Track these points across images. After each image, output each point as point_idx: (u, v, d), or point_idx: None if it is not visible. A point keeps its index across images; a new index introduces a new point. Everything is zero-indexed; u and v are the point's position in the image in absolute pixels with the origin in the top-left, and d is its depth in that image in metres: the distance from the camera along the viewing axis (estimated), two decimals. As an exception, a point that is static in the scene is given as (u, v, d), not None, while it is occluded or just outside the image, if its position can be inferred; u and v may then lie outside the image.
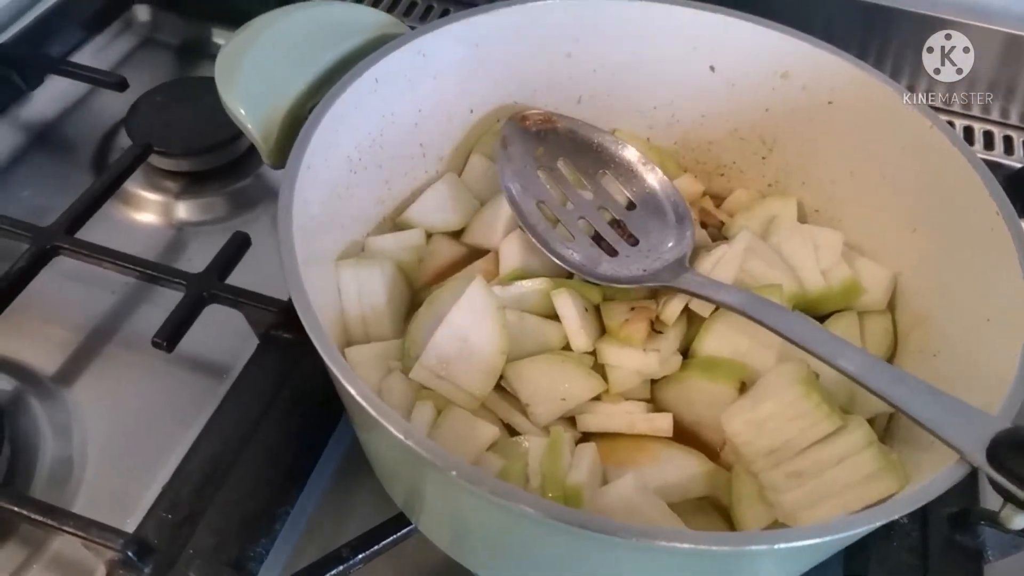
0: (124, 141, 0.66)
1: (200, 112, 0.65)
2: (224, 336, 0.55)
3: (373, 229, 0.50)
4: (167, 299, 0.53)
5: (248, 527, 0.44)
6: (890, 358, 0.48)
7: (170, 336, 0.50)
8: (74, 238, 0.56)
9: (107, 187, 0.60)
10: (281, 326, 0.52)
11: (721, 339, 0.46)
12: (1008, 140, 0.71)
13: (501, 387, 0.45)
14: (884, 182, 0.49)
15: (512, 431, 0.44)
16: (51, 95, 0.72)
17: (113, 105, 0.70)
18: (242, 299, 0.52)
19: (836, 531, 0.31)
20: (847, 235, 0.50)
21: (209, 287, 0.53)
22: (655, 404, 0.46)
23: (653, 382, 0.47)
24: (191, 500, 0.45)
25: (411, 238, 0.49)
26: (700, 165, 0.57)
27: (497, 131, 0.52)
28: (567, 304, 0.45)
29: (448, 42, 0.48)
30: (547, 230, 0.49)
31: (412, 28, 0.48)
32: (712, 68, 0.52)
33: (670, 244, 0.48)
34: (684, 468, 0.43)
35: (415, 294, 0.50)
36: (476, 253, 0.51)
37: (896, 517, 0.33)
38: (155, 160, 0.65)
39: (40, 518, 0.43)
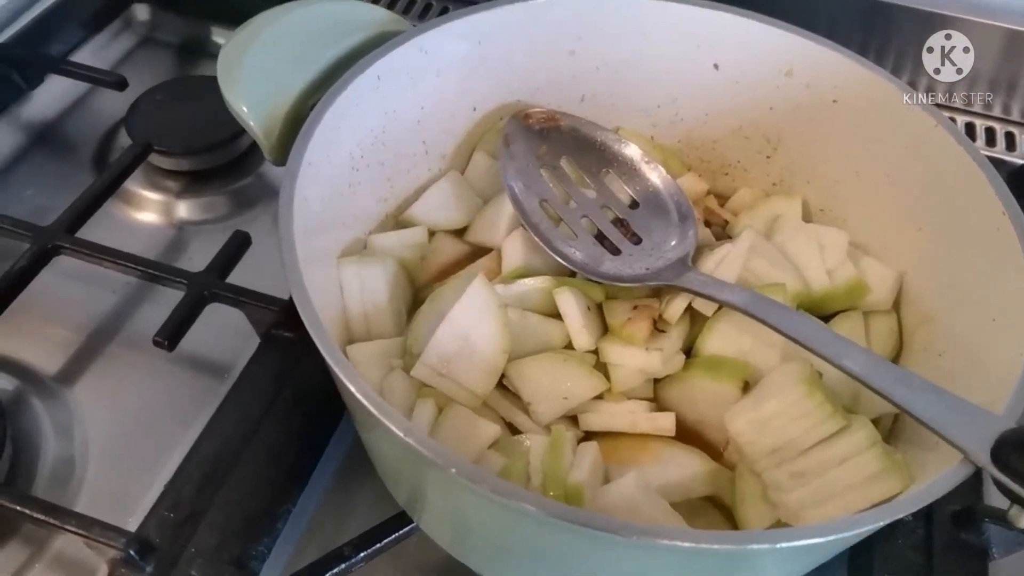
0: (124, 140, 0.66)
1: (200, 111, 0.65)
2: (225, 335, 0.55)
3: (375, 227, 0.50)
4: (168, 298, 0.53)
5: (250, 526, 0.44)
6: (895, 358, 0.48)
7: (171, 335, 0.50)
8: (75, 237, 0.56)
9: (107, 186, 0.59)
10: (282, 325, 0.52)
11: (724, 338, 0.45)
12: (1010, 136, 0.71)
13: (503, 386, 0.45)
14: (889, 181, 0.49)
15: (514, 430, 0.44)
16: (51, 94, 0.72)
17: (113, 104, 0.70)
18: (243, 298, 0.52)
19: (838, 531, 0.30)
20: (852, 234, 0.50)
21: (210, 286, 0.53)
22: (658, 403, 0.46)
23: (656, 381, 0.46)
24: (193, 499, 0.45)
25: (414, 236, 0.49)
26: (704, 164, 0.57)
27: (500, 129, 0.51)
28: (569, 303, 0.45)
29: (450, 39, 0.48)
30: (549, 228, 0.48)
31: (413, 25, 0.48)
32: (716, 66, 0.52)
33: (673, 243, 0.48)
34: (686, 467, 0.43)
35: (418, 292, 0.50)
36: (479, 251, 0.51)
37: (898, 517, 0.32)
38: (155, 159, 0.65)
39: (42, 517, 0.43)
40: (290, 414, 0.49)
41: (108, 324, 0.57)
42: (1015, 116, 0.72)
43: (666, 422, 0.44)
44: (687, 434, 0.45)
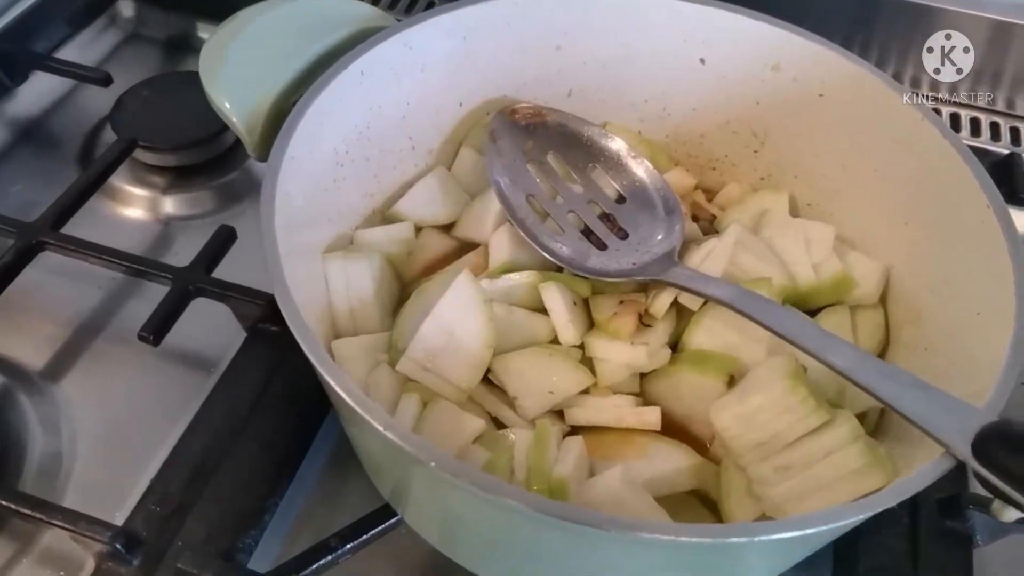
0: (110, 136, 0.66)
1: (186, 106, 0.65)
2: (212, 330, 0.55)
3: (362, 222, 0.50)
4: (155, 294, 0.53)
5: (237, 519, 0.44)
6: (882, 352, 0.48)
7: (156, 330, 0.50)
8: (59, 233, 0.56)
9: (92, 182, 0.59)
10: (268, 319, 0.52)
11: (710, 333, 0.46)
12: (995, 126, 0.72)
13: (489, 380, 0.45)
14: (876, 175, 0.49)
15: (500, 425, 0.44)
16: (36, 91, 0.71)
17: (98, 101, 0.69)
18: (229, 292, 0.52)
19: (816, 524, 0.30)
20: (839, 229, 0.50)
21: (195, 281, 0.53)
22: (644, 398, 0.46)
23: (642, 376, 0.46)
24: (179, 493, 0.45)
25: (400, 231, 0.49)
26: (692, 159, 0.57)
27: (487, 124, 0.51)
28: (555, 297, 0.45)
29: (435, 35, 0.48)
30: (536, 224, 0.48)
31: (398, 20, 0.47)
32: (702, 61, 0.52)
33: (659, 237, 0.48)
34: (672, 461, 0.43)
35: (405, 288, 0.50)
36: (466, 247, 0.51)
37: (878, 511, 0.32)
38: (141, 155, 0.65)
39: (28, 512, 0.43)
40: (277, 407, 0.49)
41: (94, 320, 0.57)
42: (999, 107, 0.72)
43: (651, 416, 0.44)
44: (673, 428, 0.45)
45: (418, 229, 0.51)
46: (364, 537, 0.43)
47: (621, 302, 0.46)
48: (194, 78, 0.43)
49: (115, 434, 0.51)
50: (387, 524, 0.43)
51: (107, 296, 0.58)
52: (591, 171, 0.51)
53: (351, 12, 0.47)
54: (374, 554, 0.45)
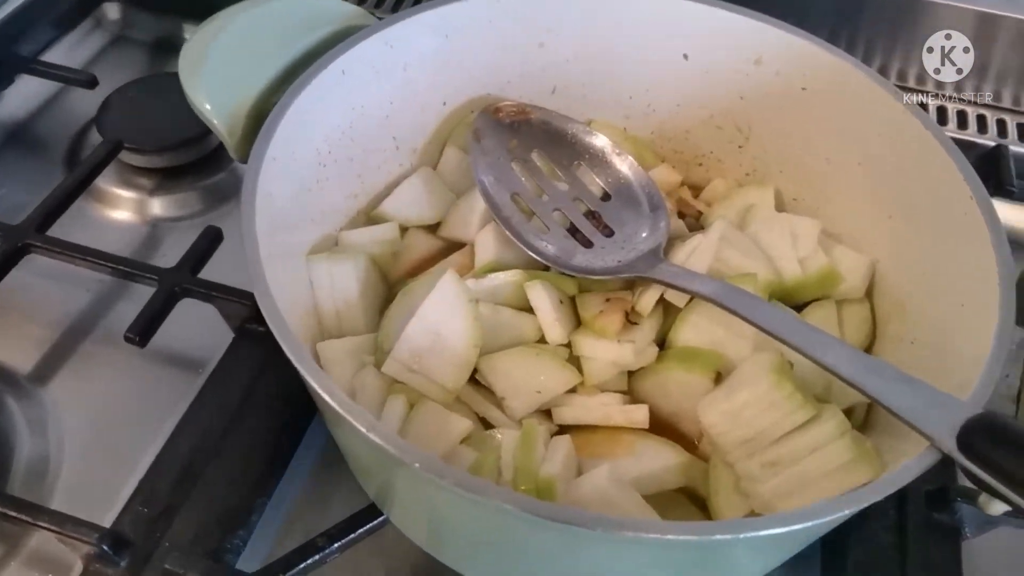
0: (96, 139, 0.66)
1: (172, 107, 0.63)
2: (200, 330, 0.55)
3: (347, 223, 0.50)
4: (143, 295, 0.53)
5: (225, 519, 0.44)
6: (869, 346, 0.48)
7: (143, 331, 0.50)
8: (45, 236, 0.55)
9: (78, 184, 0.59)
10: (255, 319, 0.51)
11: (697, 329, 0.45)
12: (981, 119, 0.72)
13: (476, 381, 0.45)
14: (860, 169, 0.49)
15: (488, 425, 0.44)
16: (22, 94, 0.71)
17: (85, 103, 0.69)
18: (215, 293, 0.52)
19: (801, 521, 0.30)
20: (826, 223, 0.50)
21: (181, 281, 0.53)
22: (632, 396, 0.46)
23: (630, 374, 0.46)
24: (168, 494, 0.45)
25: (385, 232, 0.49)
26: (678, 155, 0.57)
27: (471, 123, 0.51)
28: (541, 296, 0.45)
29: (417, 33, 0.47)
30: (521, 222, 0.48)
31: (379, 19, 0.47)
32: (686, 56, 0.52)
33: (644, 234, 0.48)
34: (660, 459, 0.43)
35: (391, 288, 0.50)
36: (452, 246, 0.51)
37: (863, 507, 0.32)
38: (128, 157, 0.65)
39: (15, 514, 0.43)
40: (265, 407, 0.49)
41: (82, 322, 0.57)
42: (987, 99, 0.72)
43: (639, 414, 0.44)
44: (662, 426, 0.45)
45: (404, 229, 0.50)
46: (351, 536, 0.42)
47: (607, 300, 0.46)
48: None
49: (103, 436, 0.51)
50: (374, 523, 0.43)
51: (95, 298, 0.58)
52: (576, 169, 0.51)
53: (332, 11, 0.47)
54: (364, 552, 0.45)
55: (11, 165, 0.67)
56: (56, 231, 0.56)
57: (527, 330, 0.46)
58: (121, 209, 0.65)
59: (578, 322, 0.47)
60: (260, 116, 0.41)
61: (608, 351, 0.44)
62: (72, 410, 0.52)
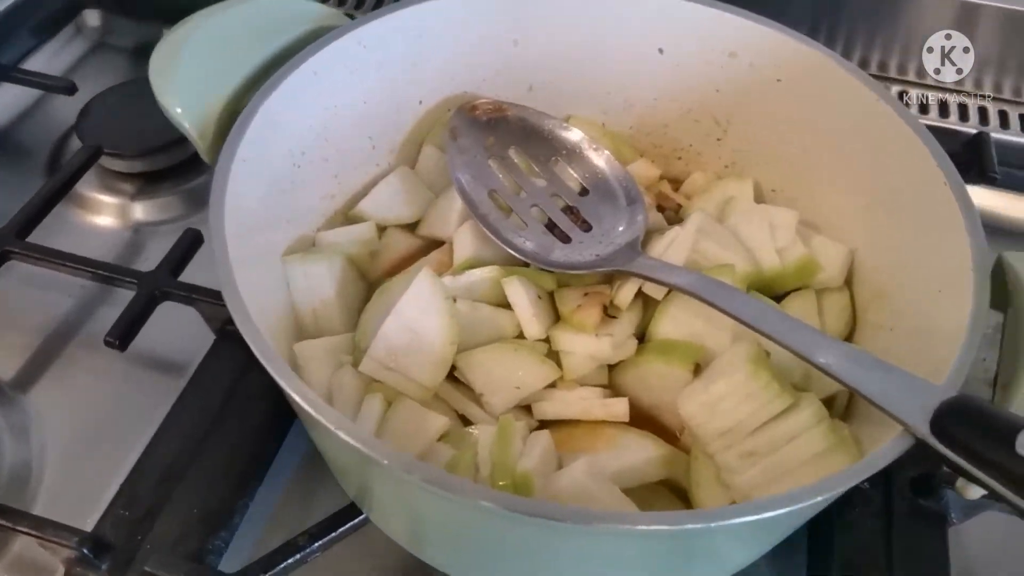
0: (77, 145, 0.65)
1: (152, 112, 0.63)
2: (181, 333, 0.55)
3: (324, 223, 0.50)
4: (125, 300, 0.53)
5: (207, 521, 0.44)
6: (850, 334, 0.48)
7: (123, 335, 0.50)
8: (25, 242, 0.55)
9: (58, 190, 0.59)
10: (236, 321, 0.51)
11: (676, 322, 0.45)
12: (963, 107, 0.72)
13: (456, 378, 0.44)
14: (836, 158, 0.49)
15: (468, 422, 0.44)
16: (2, 102, 0.71)
17: (65, 110, 0.69)
18: (195, 295, 0.52)
19: (774, 508, 0.30)
20: (804, 213, 0.50)
21: (161, 285, 0.53)
22: (613, 389, 0.46)
23: (610, 367, 0.46)
24: (149, 497, 0.45)
25: (362, 232, 0.49)
26: (657, 149, 0.57)
27: (448, 121, 0.51)
28: (518, 292, 0.45)
29: (390, 33, 0.47)
30: (499, 219, 0.48)
31: (350, 17, 0.47)
32: (661, 51, 0.52)
33: (621, 228, 0.48)
34: (640, 452, 0.43)
35: (371, 288, 0.50)
36: (432, 245, 0.51)
37: (838, 492, 0.32)
38: (109, 163, 0.65)
39: (-4, 519, 0.43)
40: (246, 409, 0.48)
41: (63, 327, 0.57)
42: (967, 87, 0.72)
43: (619, 408, 0.44)
44: (643, 419, 0.45)
45: (383, 229, 0.50)
46: (333, 535, 0.42)
47: (586, 294, 0.46)
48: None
49: (86, 441, 0.51)
50: (356, 522, 0.43)
51: (76, 304, 0.58)
52: (553, 164, 0.51)
53: (305, 12, 0.47)
54: (348, 552, 0.44)
55: (-7, 174, 0.67)
56: (37, 237, 0.56)
57: (506, 326, 0.46)
58: (103, 214, 0.65)
59: (557, 317, 0.47)
60: (232, 118, 0.41)
61: (587, 345, 0.44)
62: (54, 415, 0.52)
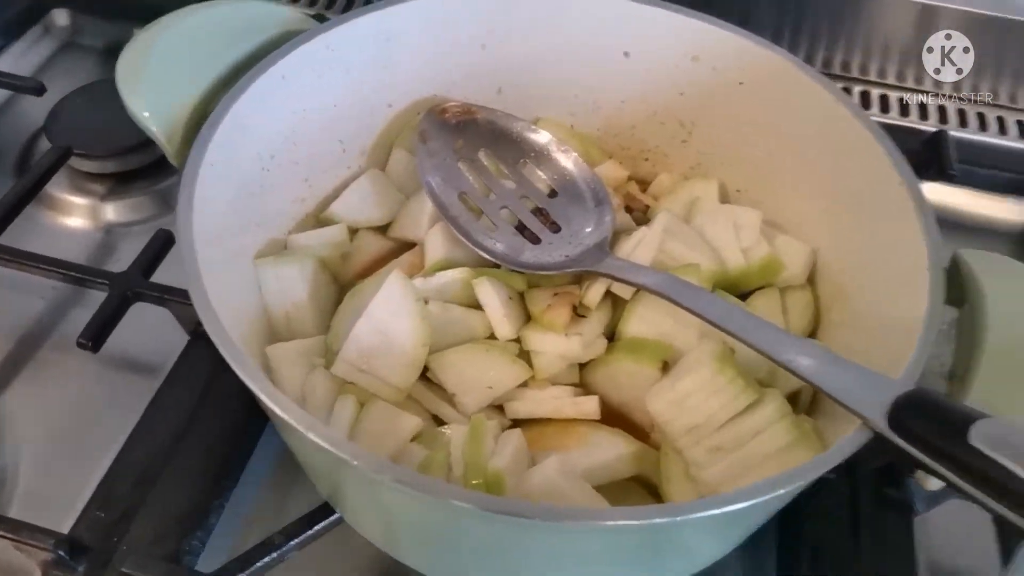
0: (47, 146, 0.65)
1: (122, 113, 0.63)
2: (154, 334, 0.55)
3: (295, 227, 0.50)
4: (98, 302, 0.53)
5: (182, 522, 0.45)
6: (813, 330, 0.49)
7: (95, 336, 0.50)
8: (-8, 244, 0.55)
9: (27, 191, 0.59)
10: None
11: (644, 320, 0.46)
12: (922, 106, 0.74)
13: (429, 379, 0.45)
14: (799, 160, 0.50)
15: (442, 422, 0.44)
16: (-32, 105, 0.70)
17: (34, 111, 0.68)
18: (168, 296, 0.52)
19: (734, 502, 0.31)
20: (768, 213, 0.51)
21: (133, 285, 0.53)
22: (584, 388, 0.47)
23: (581, 366, 0.47)
24: (125, 498, 0.45)
25: (333, 234, 0.49)
26: (624, 150, 0.57)
27: (417, 124, 0.52)
28: (488, 293, 0.45)
29: (358, 36, 0.48)
30: (469, 221, 0.49)
31: (317, 17, 0.47)
32: (627, 54, 0.53)
33: (589, 229, 0.49)
34: (612, 449, 0.44)
35: (343, 290, 0.50)
36: (403, 247, 0.51)
37: (800, 484, 0.33)
38: (79, 163, 0.64)
39: (-30, 524, 0.43)
40: (220, 409, 0.49)
41: (36, 330, 0.57)
42: (927, 86, 0.74)
43: (590, 406, 0.45)
44: (614, 417, 0.46)
45: (354, 231, 0.51)
46: (309, 533, 0.43)
47: (555, 294, 0.47)
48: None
49: (60, 443, 0.51)
50: (332, 519, 0.43)
51: (48, 306, 0.58)
52: (522, 167, 0.52)
53: (272, 15, 0.47)
54: (327, 550, 0.44)
55: (-41, 176, 0.66)
56: (7, 239, 0.56)
57: (477, 327, 0.46)
58: (74, 216, 0.64)
59: (528, 317, 0.47)
60: (200, 122, 0.41)
61: (556, 344, 0.45)
62: (28, 418, 0.52)
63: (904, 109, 0.73)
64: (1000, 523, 0.45)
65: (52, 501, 0.48)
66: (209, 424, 0.48)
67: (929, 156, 0.68)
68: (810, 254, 0.49)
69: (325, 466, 0.39)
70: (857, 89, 0.75)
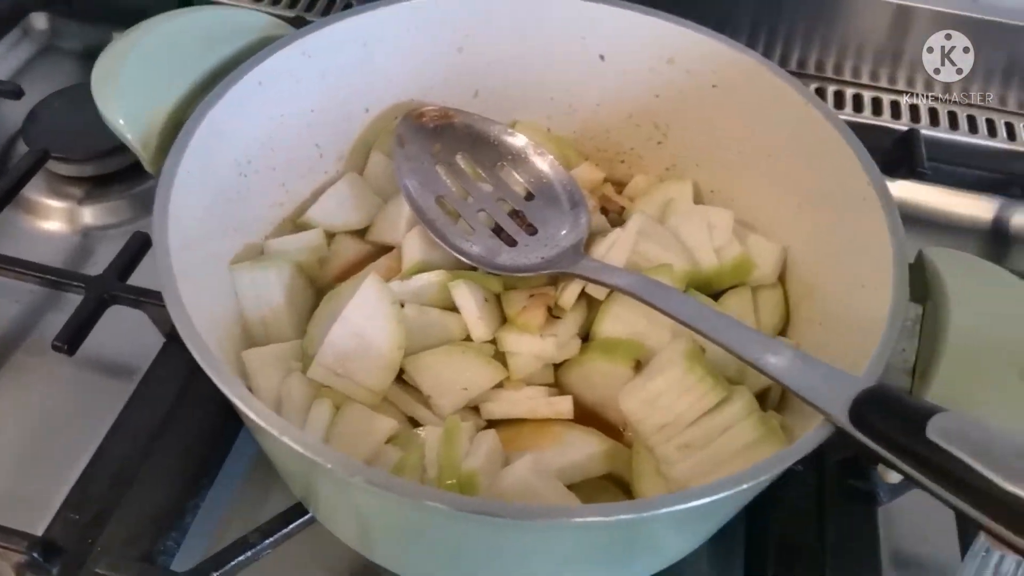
0: (24, 149, 0.65)
1: (100, 116, 0.64)
2: (131, 336, 0.55)
3: (273, 231, 0.50)
4: (73, 305, 0.53)
5: (157, 522, 0.45)
6: (784, 328, 0.50)
7: (71, 339, 0.50)
8: (-31, 249, 0.55)
9: (4, 195, 0.59)
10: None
11: (618, 320, 0.47)
12: (895, 105, 0.75)
13: (405, 381, 0.45)
14: (770, 160, 0.51)
15: (418, 424, 0.45)
16: (-55, 110, 0.70)
17: (11, 115, 0.68)
18: (144, 299, 0.52)
19: (700, 497, 0.32)
20: (741, 212, 0.52)
21: (109, 288, 0.53)
22: (560, 388, 0.47)
23: (556, 367, 0.48)
24: (99, 499, 0.45)
25: (310, 239, 0.49)
26: (600, 152, 0.58)
27: (394, 128, 0.52)
28: (464, 295, 0.46)
29: (334, 42, 0.48)
30: (446, 225, 0.49)
31: (297, 19, 0.48)
32: (602, 57, 0.53)
33: (564, 231, 0.49)
34: (585, 448, 0.44)
35: (321, 295, 0.50)
36: (381, 250, 0.51)
37: (765, 478, 0.34)
38: (56, 167, 0.64)
39: (-56, 527, 0.43)
40: (196, 411, 0.49)
41: (11, 333, 0.57)
42: (900, 85, 0.75)
43: (564, 406, 0.45)
44: (588, 416, 0.46)
45: (331, 236, 0.51)
46: (284, 531, 0.43)
47: (531, 296, 0.48)
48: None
49: (35, 445, 0.51)
50: (307, 517, 0.43)
51: (24, 309, 0.58)
52: (499, 170, 0.52)
53: (248, 22, 0.47)
54: (303, 549, 0.45)
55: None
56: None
57: (454, 329, 0.47)
58: (51, 219, 0.64)
59: (504, 319, 0.48)
60: (175, 129, 0.41)
61: (531, 345, 0.46)
62: (2, 421, 0.52)
63: (877, 108, 0.74)
64: (959, 515, 0.46)
65: (26, 503, 0.48)
66: (185, 425, 0.48)
67: (900, 154, 0.69)
68: (781, 253, 0.50)
69: (300, 469, 0.39)
70: (831, 89, 0.76)
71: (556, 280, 0.49)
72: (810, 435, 0.35)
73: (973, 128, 0.73)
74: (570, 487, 0.42)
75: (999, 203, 0.71)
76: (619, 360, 0.45)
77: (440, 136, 0.52)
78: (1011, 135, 0.72)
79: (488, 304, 0.47)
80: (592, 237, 0.50)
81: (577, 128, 0.57)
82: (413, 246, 0.49)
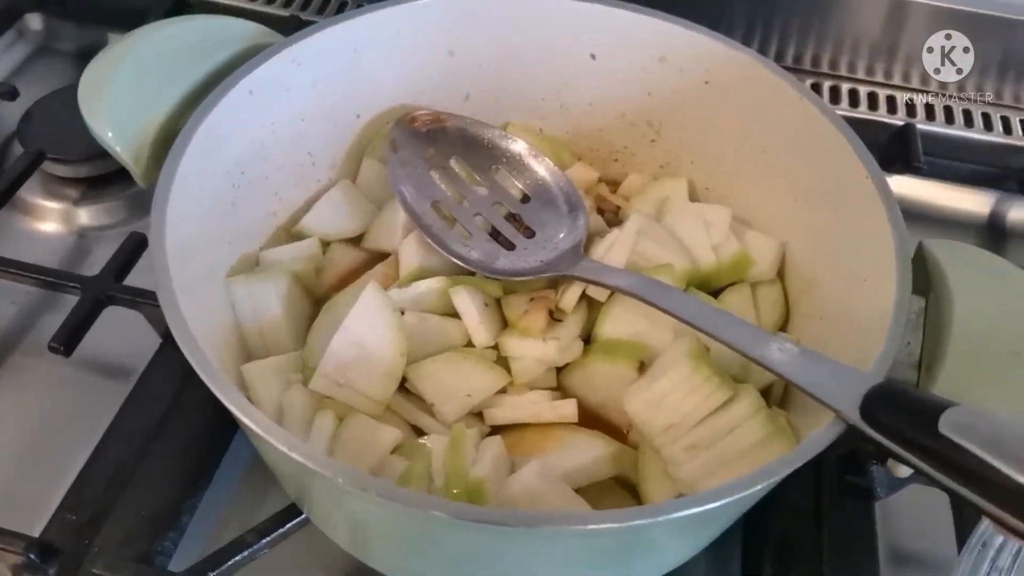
0: (19, 150, 0.64)
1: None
2: (127, 337, 0.54)
3: (267, 241, 0.50)
4: (70, 306, 0.53)
5: (154, 523, 0.45)
6: (784, 324, 0.50)
7: (67, 340, 0.50)
8: (-35, 250, 0.55)
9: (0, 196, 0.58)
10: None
11: (619, 321, 0.47)
12: (891, 99, 0.75)
13: (407, 389, 0.45)
14: (765, 156, 0.51)
15: (422, 432, 0.44)
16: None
17: (7, 115, 0.68)
18: (140, 299, 0.52)
19: (711, 500, 0.32)
20: (737, 209, 0.51)
21: (106, 289, 0.52)
22: (562, 391, 0.47)
23: (559, 370, 0.47)
24: (96, 500, 0.45)
25: (306, 248, 0.49)
26: (594, 152, 0.58)
27: (387, 134, 0.52)
28: (464, 301, 0.46)
29: (324, 49, 0.48)
30: (443, 230, 0.49)
31: (292, 18, 0.47)
32: (593, 56, 0.53)
33: (563, 234, 0.49)
34: (591, 451, 0.44)
35: (318, 304, 0.50)
36: (377, 258, 0.51)
37: (776, 479, 0.34)
38: (52, 168, 0.64)
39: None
40: (193, 411, 0.49)
41: (8, 334, 0.57)
42: (896, 80, 0.75)
43: (568, 409, 0.45)
44: (592, 419, 0.46)
45: (327, 244, 0.51)
46: (280, 531, 0.42)
47: (532, 300, 0.47)
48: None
49: (32, 447, 0.51)
50: (302, 518, 0.43)
51: (21, 311, 0.58)
52: (494, 173, 0.52)
53: (237, 31, 0.47)
54: (296, 548, 0.44)
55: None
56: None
57: (455, 335, 0.46)
58: (48, 220, 0.64)
59: (505, 323, 0.47)
60: (167, 141, 0.41)
61: (534, 349, 0.45)
62: (1, 423, 0.52)
63: (873, 103, 0.74)
64: (959, 508, 0.46)
65: (23, 504, 0.48)
66: (182, 426, 0.48)
67: (897, 149, 0.69)
68: (779, 249, 0.50)
69: (300, 477, 0.39)
70: (827, 84, 0.76)
71: (555, 283, 0.49)
72: (822, 432, 0.35)
73: (969, 122, 0.73)
74: (577, 491, 0.41)
75: (995, 197, 0.70)
76: (622, 361, 0.45)
77: (433, 141, 0.52)
78: (1007, 129, 0.73)
79: (489, 309, 0.47)
80: (590, 238, 0.50)
81: (570, 128, 0.57)
82: (410, 252, 0.48)
